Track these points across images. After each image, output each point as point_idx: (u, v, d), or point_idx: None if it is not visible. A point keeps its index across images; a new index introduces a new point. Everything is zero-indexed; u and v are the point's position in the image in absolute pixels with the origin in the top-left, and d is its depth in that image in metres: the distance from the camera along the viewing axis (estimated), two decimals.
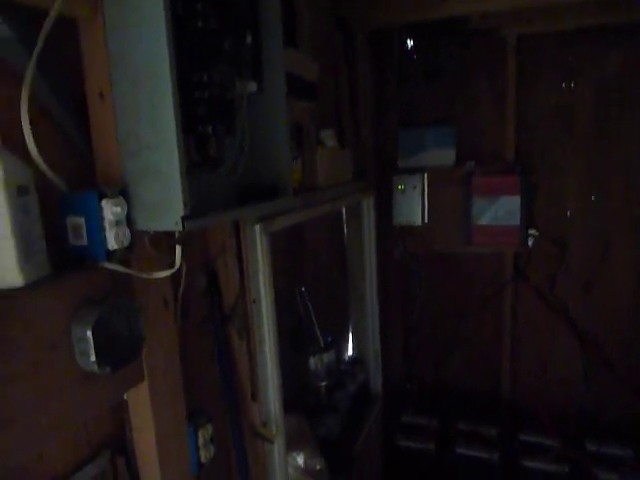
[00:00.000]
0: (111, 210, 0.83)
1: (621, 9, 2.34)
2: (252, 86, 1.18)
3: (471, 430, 2.76)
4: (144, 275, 0.93)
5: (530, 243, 2.74)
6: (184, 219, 0.86)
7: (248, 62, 1.13)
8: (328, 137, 1.78)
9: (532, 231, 2.74)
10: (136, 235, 0.90)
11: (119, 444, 1.03)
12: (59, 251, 0.84)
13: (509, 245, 2.77)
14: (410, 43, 2.76)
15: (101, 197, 0.83)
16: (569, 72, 2.62)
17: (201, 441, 1.17)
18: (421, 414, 2.93)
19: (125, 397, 1.00)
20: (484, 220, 2.76)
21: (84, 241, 0.85)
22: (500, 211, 2.74)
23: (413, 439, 2.72)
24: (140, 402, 0.99)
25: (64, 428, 0.83)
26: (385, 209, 2.77)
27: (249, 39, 1.07)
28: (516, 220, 2.71)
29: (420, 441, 2.71)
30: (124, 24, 0.83)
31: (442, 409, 2.95)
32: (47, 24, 0.75)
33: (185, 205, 0.86)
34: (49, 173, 0.81)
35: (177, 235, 0.91)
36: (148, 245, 0.94)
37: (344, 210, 2.44)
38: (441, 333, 3.02)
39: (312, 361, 1.99)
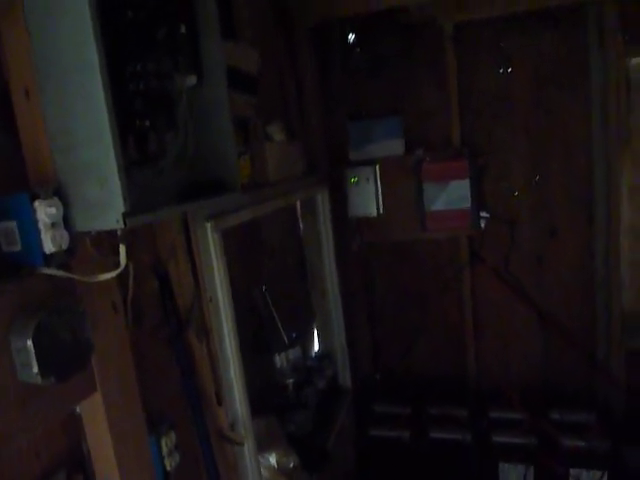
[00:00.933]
0: (45, 211, 0.79)
1: None
2: (191, 79, 1.15)
3: (442, 414, 2.80)
4: (87, 278, 0.89)
5: (483, 225, 2.80)
6: (125, 216, 0.82)
7: (186, 54, 1.10)
8: (275, 131, 1.76)
9: (483, 213, 2.80)
10: (76, 237, 0.86)
11: (75, 460, 0.98)
12: None
13: (462, 229, 2.82)
14: (352, 37, 2.78)
15: (33, 198, 0.78)
16: (506, 57, 2.70)
17: (165, 450, 1.12)
18: (392, 403, 2.94)
19: (78, 410, 0.95)
20: (437, 206, 2.80)
21: (18, 246, 0.80)
22: (452, 196, 2.79)
23: (386, 428, 2.73)
24: (94, 414, 0.94)
25: (10, 448, 0.78)
26: (340, 202, 2.77)
27: (183, 29, 1.03)
28: (467, 203, 2.76)
29: (393, 429, 2.72)
30: (46, 17, 0.79)
31: (413, 396, 2.97)
32: None
33: (125, 201, 0.82)
34: None
35: (120, 233, 0.87)
36: (90, 247, 0.90)
37: (299, 205, 2.43)
38: (405, 321, 3.05)
39: (277, 359, 1.96)
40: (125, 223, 0.82)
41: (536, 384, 2.91)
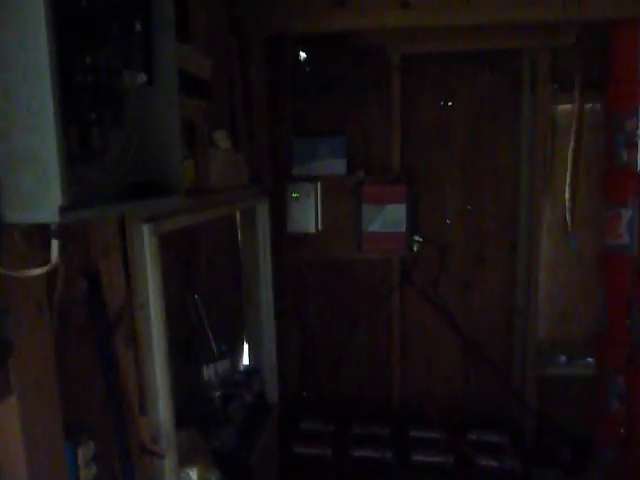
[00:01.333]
0: None
1: (490, 37, 2.60)
2: (141, 77, 1.12)
3: (365, 432, 2.83)
4: (14, 273, 0.83)
5: (415, 248, 2.90)
6: (62, 210, 0.78)
7: (138, 52, 1.07)
8: (221, 139, 1.74)
9: (417, 237, 2.90)
10: (4, 229, 0.80)
11: None
12: None
13: (396, 251, 2.91)
14: (303, 55, 2.82)
15: None
16: (447, 90, 2.85)
17: (81, 460, 1.06)
18: (318, 420, 2.94)
19: None
20: (373, 227, 2.88)
21: None
22: (388, 218, 2.87)
23: (310, 445, 2.73)
24: (7, 419, 0.87)
25: None
26: (280, 216, 2.77)
27: (138, 26, 1.01)
28: (402, 227, 2.85)
29: (316, 447, 2.72)
30: None
31: (338, 414, 2.99)
32: None
33: (63, 194, 0.78)
34: None
35: (53, 228, 0.83)
36: (19, 240, 0.84)
37: (238, 216, 2.40)
38: (336, 339, 3.08)
39: (205, 371, 1.91)
40: (61, 217, 0.78)
41: (457, 406, 3.02)
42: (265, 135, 2.50)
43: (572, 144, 2.69)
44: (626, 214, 2.47)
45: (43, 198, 0.78)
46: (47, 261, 0.88)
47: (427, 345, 3.05)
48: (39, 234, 0.90)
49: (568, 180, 2.72)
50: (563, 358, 3.15)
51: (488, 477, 2.60)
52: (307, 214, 2.90)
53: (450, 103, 2.85)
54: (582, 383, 2.83)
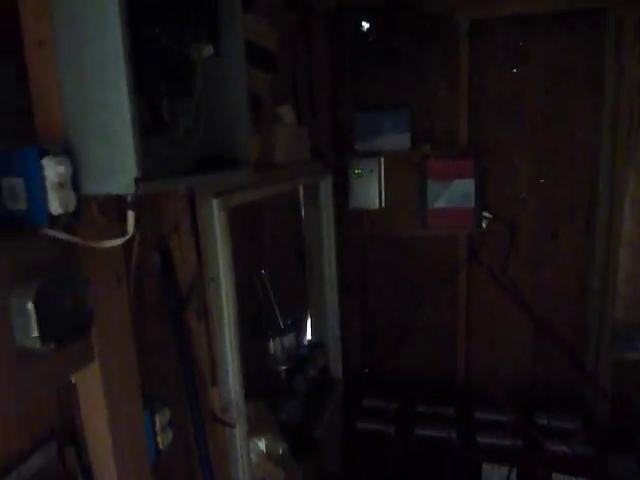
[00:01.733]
0: (54, 170, 0.75)
1: None
2: (209, 49, 1.11)
3: (429, 411, 2.79)
4: (92, 244, 0.85)
5: (484, 225, 2.78)
6: (137, 181, 0.79)
7: (205, 23, 1.06)
8: (286, 113, 1.72)
9: (486, 214, 2.78)
10: (82, 201, 0.82)
11: (67, 433, 0.95)
12: None
13: (464, 228, 2.81)
14: (366, 25, 2.74)
15: (42, 154, 0.75)
16: (520, 57, 2.67)
17: (158, 426, 1.10)
18: (380, 398, 2.93)
19: (73, 380, 0.91)
20: (439, 203, 2.78)
21: (23, 205, 0.76)
22: (455, 194, 2.76)
23: (373, 422, 2.73)
24: (90, 385, 0.91)
25: (2, 414, 0.75)
26: (342, 192, 2.74)
27: None
28: (470, 203, 2.74)
29: (380, 424, 2.72)
30: None
31: (401, 392, 2.97)
32: None
33: (138, 166, 0.79)
34: None
35: (129, 199, 0.84)
36: (96, 212, 0.87)
37: (301, 191, 2.40)
38: (399, 317, 3.04)
39: (272, 345, 1.94)
40: (137, 188, 0.78)
41: (524, 387, 2.91)
42: (327, 109, 2.46)
43: None
44: None
45: (119, 171, 0.79)
46: (123, 233, 0.89)
47: (494, 325, 2.94)
48: (115, 206, 0.92)
49: None
50: None
51: (558, 463, 2.50)
52: (370, 190, 2.84)
53: (523, 69, 2.67)
54: None
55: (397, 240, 2.96)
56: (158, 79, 0.90)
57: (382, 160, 2.81)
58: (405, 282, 3.01)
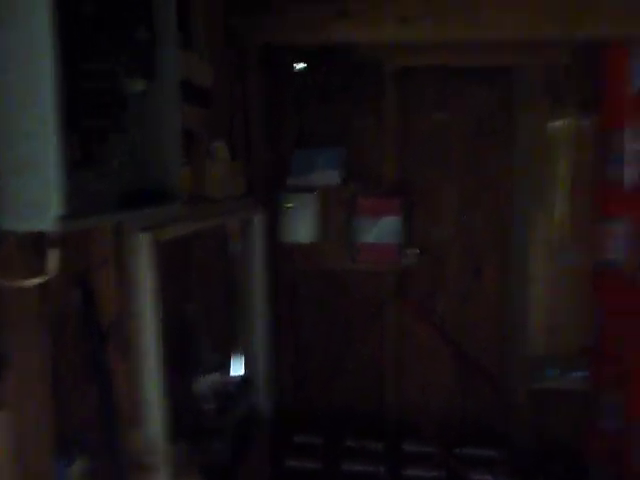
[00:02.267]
0: None
1: (487, 53, 2.62)
2: (143, 84, 1.11)
3: (358, 446, 2.80)
4: (9, 283, 0.81)
5: (411, 261, 2.89)
6: (62, 219, 0.76)
7: (140, 59, 1.06)
8: (220, 149, 1.73)
9: (412, 250, 2.90)
10: (1, 236, 0.78)
11: None
12: None
13: (391, 263, 2.90)
14: (302, 65, 2.83)
15: None
16: (443, 104, 2.86)
17: (75, 477, 1.03)
18: (311, 434, 2.91)
19: None
20: (368, 239, 2.87)
21: None
22: (383, 230, 2.86)
23: (302, 459, 2.69)
24: None
25: None
26: (274, 226, 2.76)
27: (142, 32, 1.00)
28: (397, 239, 2.85)
29: (309, 461, 2.69)
30: None
31: (332, 427, 2.96)
32: None
33: (64, 202, 0.76)
34: None
35: (52, 237, 0.81)
36: (15, 249, 0.82)
37: (234, 225, 2.38)
38: (330, 351, 3.06)
39: (199, 382, 1.88)
40: (61, 226, 0.76)
41: (454, 421, 2.99)
42: (262, 145, 2.49)
43: (565, 161, 2.71)
44: (617, 229, 2.49)
45: (42, 206, 0.76)
46: (43, 270, 0.85)
47: (422, 358, 3.03)
48: (35, 242, 0.88)
49: (561, 195, 2.74)
50: (556, 372, 3.15)
51: None
52: (302, 224, 2.88)
53: (445, 117, 2.86)
54: (575, 397, 2.83)
55: (328, 274, 3.01)
56: (90, 114, 0.88)
57: (314, 195, 2.87)
58: (336, 316, 3.04)
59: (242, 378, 2.50)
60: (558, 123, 2.76)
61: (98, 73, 0.90)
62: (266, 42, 2.32)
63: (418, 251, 2.88)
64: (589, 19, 2.03)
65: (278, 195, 2.81)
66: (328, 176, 2.89)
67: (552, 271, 3.03)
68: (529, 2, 2.07)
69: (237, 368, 2.49)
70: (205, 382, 1.92)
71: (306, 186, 2.87)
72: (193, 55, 1.45)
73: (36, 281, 0.84)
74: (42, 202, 0.76)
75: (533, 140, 2.77)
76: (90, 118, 0.90)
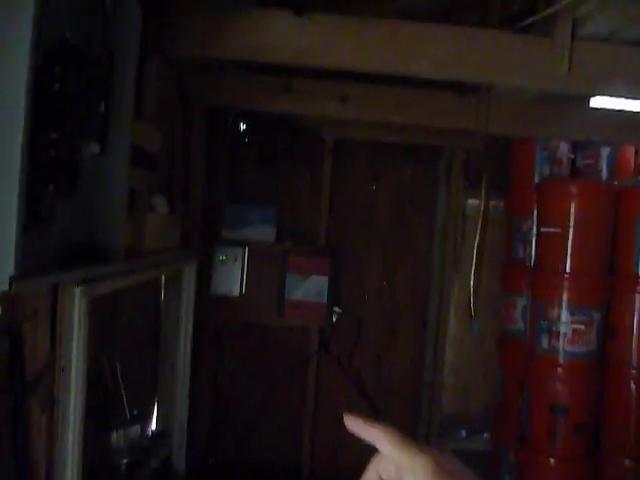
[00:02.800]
0: None
1: (414, 133, 2.90)
2: (95, 148, 1.18)
3: None
4: None
5: (334, 319, 3.02)
6: (13, 279, 0.81)
7: (95, 126, 1.14)
8: (160, 203, 1.80)
9: (337, 309, 3.04)
10: None
11: None
12: None
13: (317, 320, 3.01)
14: (243, 126, 2.98)
15: None
16: (373, 174, 3.10)
17: None
18: None
19: None
20: (296, 296, 2.97)
21: None
22: (310, 289, 2.99)
23: None
24: None
25: None
26: (204, 278, 2.80)
27: (102, 107, 1.08)
28: (323, 298, 2.98)
29: None
30: None
31: None
32: None
33: (16, 264, 0.81)
34: None
35: (0, 295, 0.84)
36: None
37: (162, 276, 2.41)
38: (249, 405, 3.06)
39: (115, 436, 1.84)
40: (11, 287, 0.80)
41: None
42: (199, 199, 2.57)
43: (477, 236, 3.01)
44: (521, 303, 2.76)
45: None
46: None
47: (339, 415, 3.10)
48: None
49: (473, 268, 3.01)
50: (464, 433, 3.34)
51: None
52: (232, 277, 2.95)
53: (375, 187, 3.10)
54: (481, 458, 3.00)
55: (254, 328, 3.06)
56: (48, 179, 0.94)
57: (246, 250, 2.96)
58: (258, 370, 3.07)
59: (158, 431, 2.45)
60: (472, 201, 3.08)
61: (58, 143, 0.97)
62: (214, 104, 2.45)
63: (341, 310, 3.02)
64: (497, 120, 2.35)
65: (211, 247, 2.86)
66: (263, 232, 3.00)
67: (464, 335, 3.27)
68: (453, 100, 2.36)
69: (156, 421, 2.44)
70: (122, 436, 1.89)
71: (240, 240, 2.96)
72: (144, 124, 1.54)
73: None
74: None
75: (451, 214, 3.05)
76: (46, 184, 0.96)
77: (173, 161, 2.17)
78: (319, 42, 1.66)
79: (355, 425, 0.47)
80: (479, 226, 3.00)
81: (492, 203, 3.08)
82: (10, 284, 0.80)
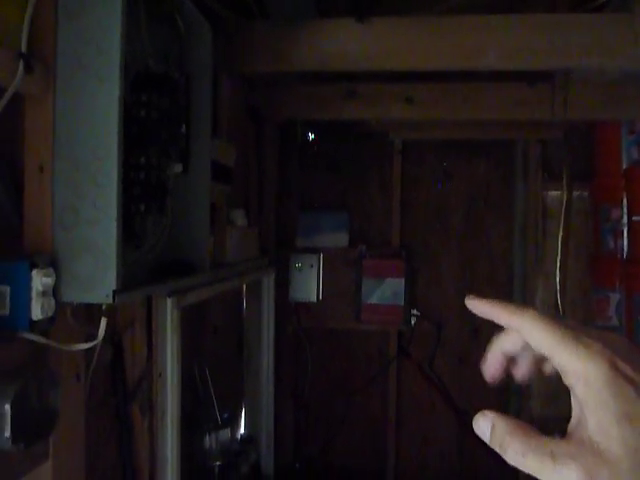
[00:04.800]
0: (41, 281, 0.84)
1: (486, 129, 2.82)
2: (178, 167, 1.26)
3: None
4: (64, 347, 0.92)
5: (413, 322, 2.99)
6: (115, 292, 0.89)
7: (178, 147, 1.22)
8: (238, 217, 1.88)
9: (414, 311, 3.00)
10: (58, 306, 0.90)
11: None
12: None
13: (394, 324, 2.99)
14: (311, 136, 3.04)
15: (32, 267, 0.84)
16: (445, 173, 3.05)
17: None
18: None
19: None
20: (372, 299, 2.97)
21: (6, 310, 0.83)
22: (386, 292, 2.97)
23: None
24: None
25: None
26: (282, 285, 2.87)
27: (184, 129, 1.16)
28: (401, 301, 2.95)
29: None
30: (75, 106, 0.89)
31: None
32: (4, 100, 0.78)
33: (118, 278, 0.89)
34: None
35: (104, 307, 0.93)
36: (70, 316, 0.94)
37: (244, 285, 2.50)
38: (331, 410, 3.09)
39: (207, 439, 1.94)
40: (114, 299, 0.88)
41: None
42: (273, 210, 2.65)
43: (561, 230, 2.86)
44: (614, 298, 2.59)
45: (99, 282, 0.89)
46: (93, 336, 0.97)
47: (423, 418, 3.06)
48: (85, 310, 1.00)
49: (558, 264, 2.86)
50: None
51: None
52: (309, 284, 3.00)
53: (447, 186, 3.04)
54: None
55: (332, 333, 3.09)
56: (140, 199, 1.03)
57: (321, 256, 3.00)
58: (339, 374, 3.10)
59: (246, 435, 2.54)
60: (553, 193, 2.93)
61: (147, 165, 1.05)
62: (282, 117, 2.53)
63: (419, 313, 2.98)
64: (576, 105, 2.23)
65: (287, 255, 2.94)
66: (336, 238, 3.04)
67: None
68: (525, 91, 2.27)
69: (243, 425, 2.54)
70: (214, 439, 1.98)
71: (314, 247, 3.01)
72: (220, 140, 1.62)
73: (86, 346, 0.95)
74: (98, 278, 0.89)
75: (530, 209, 2.93)
76: (138, 203, 1.04)
77: (247, 174, 2.26)
78: (383, 46, 1.66)
79: (486, 307, 0.38)
80: (562, 219, 2.85)
81: (575, 193, 2.92)
82: (114, 297, 0.88)
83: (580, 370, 0.32)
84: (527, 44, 1.64)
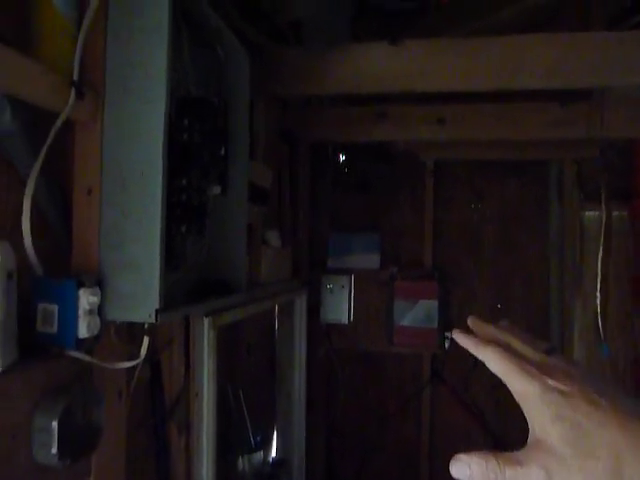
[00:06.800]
0: (87, 299, 0.86)
1: (518, 148, 2.79)
2: (216, 189, 1.29)
3: None
4: (108, 365, 0.94)
5: (447, 345, 2.93)
6: (157, 312, 0.90)
7: (216, 170, 1.25)
8: (273, 237, 1.90)
9: (448, 334, 2.94)
10: (102, 324, 0.92)
11: None
12: (23, 336, 0.84)
13: (428, 346, 2.94)
14: (343, 157, 3.06)
15: (79, 286, 0.86)
16: (477, 193, 3.02)
17: None
18: None
19: None
20: (405, 321, 2.93)
21: (53, 329, 0.86)
22: (419, 314, 2.93)
23: None
24: None
25: None
26: (314, 306, 2.87)
27: (223, 151, 1.19)
28: (434, 323, 2.90)
29: None
30: (122, 129, 0.92)
31: None
32: (56, 126, 0.82)
33: (160, 298, 0.90)
34: (33, 260, 0.83)
35: (147, 326, 0.94)
36: (113, 335, 0.96)
37: (276, 306, 2.51)
38: (363, 434, 3.04)
39: (240, 462, 1.93)
40: (157, 319, 0.89)
41: None
42: (306, 231, 2.67)
43: (600, 250, 2.78)
44: None
45: (142, 301, 0.91)
46: (132, 354, 0.98)
47: (457, 444, 2.97)
48: (127, 328, 1.02)
49: (598, 285, 2.78)
50: None
51: None
52: (341, 305, 2.99)
53: (479, 206, 3.00)
54: None
55: (364, 355, 3.06)
56: (181, 220, 1.05)
57: (352, 277, 2.99)
58: (370, 398, 3.05)
59: (278, 459, 2.52)
60: (591, 214, 2.86)
61: (188, 187, 1.07)
62: (315, 139, 2.56)
63: (453, 336, 2.92)
64: (614, 123, 2.19)
65: (319, 277, 2.94)
66: (367, 259, 3.02)
67: (592, 360, 3.00)
68: (559, 110, 2.25)
69: (275, 448, 2.51)
70: (247, 462, 1.97)
71: (345, 268, 3.00)
72: (257, 162, 1.65)
73: (129, 364, 0.96)
74: (142, 297, 0.91)
75: (567, 229, 2.86)
76: (178, 225, 1.06)
77: (281, 195, 2.28)
78: (416, 68, 1.68)
79: (464, 340, 0.47)
80: (602, 239, 2.78)
81: (614, 214, 2.84)
82: (156, 316, 0.89)
83: (521, 390, 0.43)
84: (564, 63, 1.63)
